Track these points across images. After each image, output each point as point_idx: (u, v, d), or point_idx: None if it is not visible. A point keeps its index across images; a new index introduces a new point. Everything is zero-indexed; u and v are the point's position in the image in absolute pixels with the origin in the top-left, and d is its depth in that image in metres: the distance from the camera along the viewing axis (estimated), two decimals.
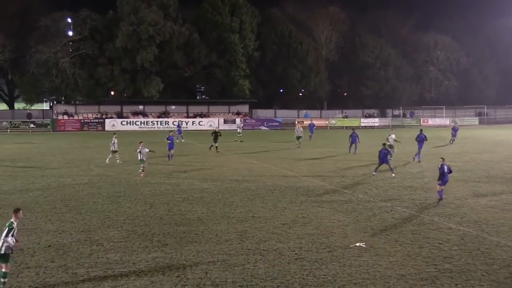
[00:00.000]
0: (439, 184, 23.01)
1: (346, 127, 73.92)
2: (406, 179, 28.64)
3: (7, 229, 11.74)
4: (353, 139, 40.95)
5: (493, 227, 18.16)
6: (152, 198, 23.00)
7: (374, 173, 29.58)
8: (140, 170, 29.69)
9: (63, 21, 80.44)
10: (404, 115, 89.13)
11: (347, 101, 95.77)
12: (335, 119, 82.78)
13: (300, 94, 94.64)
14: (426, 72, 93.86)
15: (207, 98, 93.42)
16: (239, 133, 52.70)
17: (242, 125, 54.46)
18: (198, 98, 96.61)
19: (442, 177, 22.85)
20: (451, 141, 47.10)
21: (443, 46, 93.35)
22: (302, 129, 47.35)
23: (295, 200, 22.66)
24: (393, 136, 37.71)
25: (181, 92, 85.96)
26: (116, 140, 35.26)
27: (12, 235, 11.74)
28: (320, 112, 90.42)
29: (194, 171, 31.88)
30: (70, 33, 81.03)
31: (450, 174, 23.20)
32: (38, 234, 16.86)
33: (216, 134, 41.61)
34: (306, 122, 71.53)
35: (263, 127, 76.02)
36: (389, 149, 30.87)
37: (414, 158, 36.04)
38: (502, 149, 44.47)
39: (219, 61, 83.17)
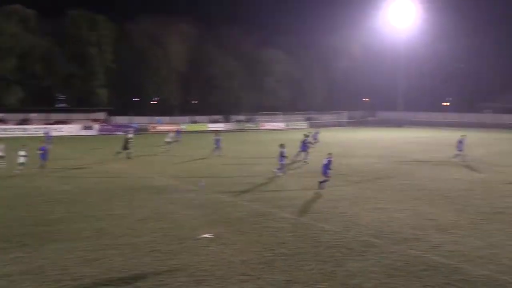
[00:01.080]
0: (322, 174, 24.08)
1: (196, 131, 74.26)
2: (251, 176, 29.29)
3: None
4: (217, 142, 40.56)
5: (320, 215, 19.04)
6: (13, 201, 21.63)
7: (277, 172, 29.19)
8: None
9: None
10: (246, 120, 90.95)
11: (196, 108, 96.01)
12: (185, 124, 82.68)
13: (154, 102, 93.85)
14: (265, 83, 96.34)
15: (67, 106, 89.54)
16: (169, 142, 46.65)
17: (172, 134, 48.45)
18: (58, 106, 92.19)
19: (324, 167, 23.97)
20: (313, 144, 47.26)
21: (279, 60, 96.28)
22: (172, 135, 46.57)
23: (149, 198, 22.37)
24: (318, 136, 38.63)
25: (41, 101, 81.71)
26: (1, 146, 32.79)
27: None
28: (172, 118, 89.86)
29: (56, 173, 30.27)
30: None
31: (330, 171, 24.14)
32: None
33: (127, 141, 38.77)
34: (162, 128, 71.30)
35: (119, 133, 74.13)
36: (284, 150, 29.91)
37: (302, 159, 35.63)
38: (326, 149, 46.52)
39: (78, 71, 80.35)
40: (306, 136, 37.96)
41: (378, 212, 19.56)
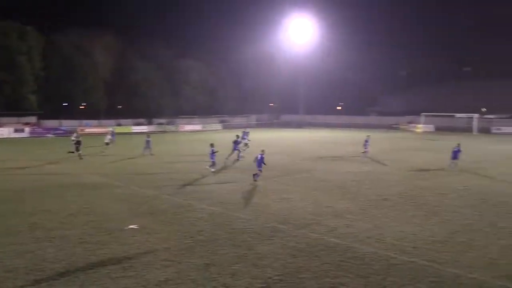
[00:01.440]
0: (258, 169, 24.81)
1: (121, 133, 72.41)
2: (173, 173, 28.96)
3: None
4: (147, 143, 39.61)
5: (233, 205, 19.18)
6: None
7: (210, 169, 28.76)
8: None
9: None
10: (167, 123, 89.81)
11: (122, 112, 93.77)
12: (111, 127, 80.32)
13: (82, 107, 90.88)
14: (184, 90, 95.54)
15: None
16: (107, 143, 43.53)
17: (109, 136, 45.46)
18: None
19: (257, 162, 24.73)
20: (247, 145, 46.21)
21: (196, 69, 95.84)
22: (110, 136, 44.86)
23: (81, 194, 21.60)
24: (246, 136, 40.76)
25: None
26: None
27: None
28: (99, 121, 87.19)
29: None
30: None
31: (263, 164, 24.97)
32: None
33: (78, 143, 37.23)
34: (91, 130, 69.14)
35: (49, 135, 71.08)
36: (214, 149, 29.53)
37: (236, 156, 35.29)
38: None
39: (8, 78, 76.13)
40: (238, 137, 38.00)
41: (285, 202, 19.93)
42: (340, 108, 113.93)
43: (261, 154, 25.20)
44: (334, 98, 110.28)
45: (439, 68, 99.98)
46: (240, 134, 39.78)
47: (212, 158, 29.09)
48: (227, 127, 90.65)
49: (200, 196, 21.24)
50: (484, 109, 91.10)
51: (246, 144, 40.62)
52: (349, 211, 18.31)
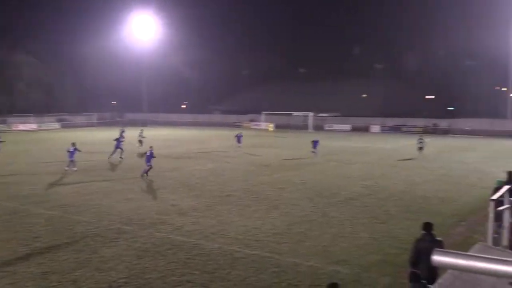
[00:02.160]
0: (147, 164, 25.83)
1: None
2: (4, 175, 26.60)
3: None
4: None
5: (75, 208, 18.26)
6: None
7: (70, 168, 28.03)
8: None
9: None
10: None
11: None
12: None
13: None
14: (16, 86, 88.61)
15: None
16: None
17: None
18: None
19: (147, 158, 25.87)
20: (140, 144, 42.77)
21: (30, 64, 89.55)
22: None
23: None
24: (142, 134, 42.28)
25: None
26: None
27: None
28: None
29: None
30: None
31: (153, 159, 26.02)
32: None
33: None
34: None
35: None
36: (77, 147, 28.75)
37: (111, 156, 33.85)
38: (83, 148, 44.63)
39: None
40: (122, 133, 37.28)
41: (129, 202, 19.48)
42: (184, 106, 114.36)
43: (151, 150, 26.12)
44: (178, 97, 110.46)
45: (277, 69, 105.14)
46: (138, 133, 42.49)
47: (71, 157, 28.29)
48: (66, 126, 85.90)
49: (38, 199, 19.87)
50: (364, 95, 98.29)
51: (140, 142, 41.44)
52: (195, 208, 18.46)
